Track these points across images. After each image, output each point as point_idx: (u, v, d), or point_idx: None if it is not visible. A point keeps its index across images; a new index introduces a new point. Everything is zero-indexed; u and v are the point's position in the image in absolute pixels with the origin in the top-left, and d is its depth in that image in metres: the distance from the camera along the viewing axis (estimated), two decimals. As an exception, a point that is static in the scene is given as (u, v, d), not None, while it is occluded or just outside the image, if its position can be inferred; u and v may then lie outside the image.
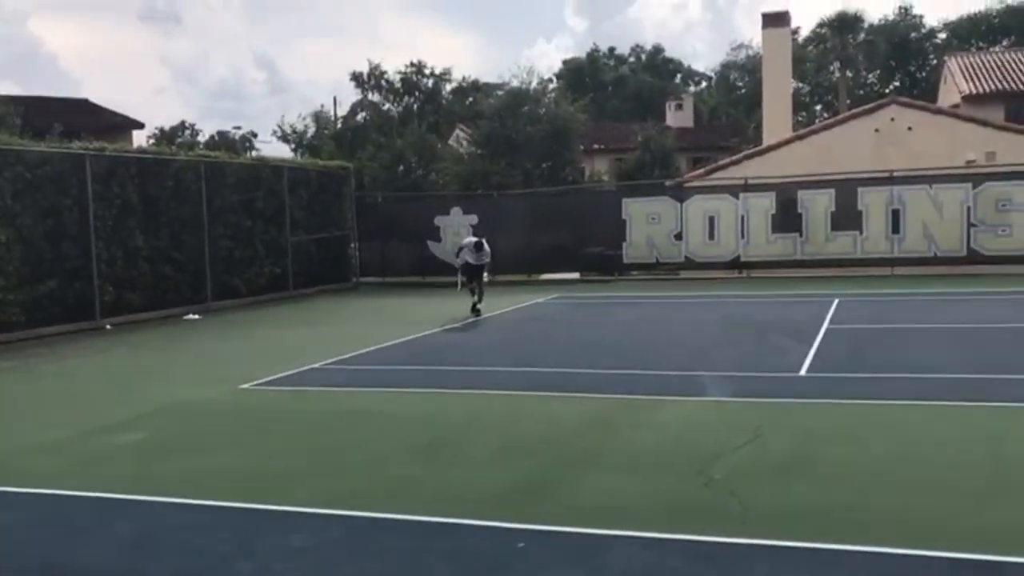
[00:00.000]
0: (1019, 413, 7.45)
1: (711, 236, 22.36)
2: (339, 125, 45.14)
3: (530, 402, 8.65)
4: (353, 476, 6.37)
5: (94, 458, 7.16)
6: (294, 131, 47.58)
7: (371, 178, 32.21)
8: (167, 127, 56.44)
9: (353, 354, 11.89)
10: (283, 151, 45.67)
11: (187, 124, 59.59)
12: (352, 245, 24.30)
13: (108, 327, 15.91)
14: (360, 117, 44.35)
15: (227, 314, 18.05)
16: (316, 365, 11.09)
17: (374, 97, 44.66)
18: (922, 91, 48.94)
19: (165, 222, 17.53)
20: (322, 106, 50.20)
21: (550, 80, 56.69)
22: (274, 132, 46.83)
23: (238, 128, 54.40)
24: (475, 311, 15.81)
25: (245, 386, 9.85)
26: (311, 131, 47.27)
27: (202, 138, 55.33)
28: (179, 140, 51.30)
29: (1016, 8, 55.08)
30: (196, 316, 17.45)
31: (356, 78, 44.23)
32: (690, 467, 6.11)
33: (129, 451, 7.35)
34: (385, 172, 32.67)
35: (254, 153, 41.94)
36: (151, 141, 45.31)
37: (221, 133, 53.90)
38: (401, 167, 33.06)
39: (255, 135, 53.35)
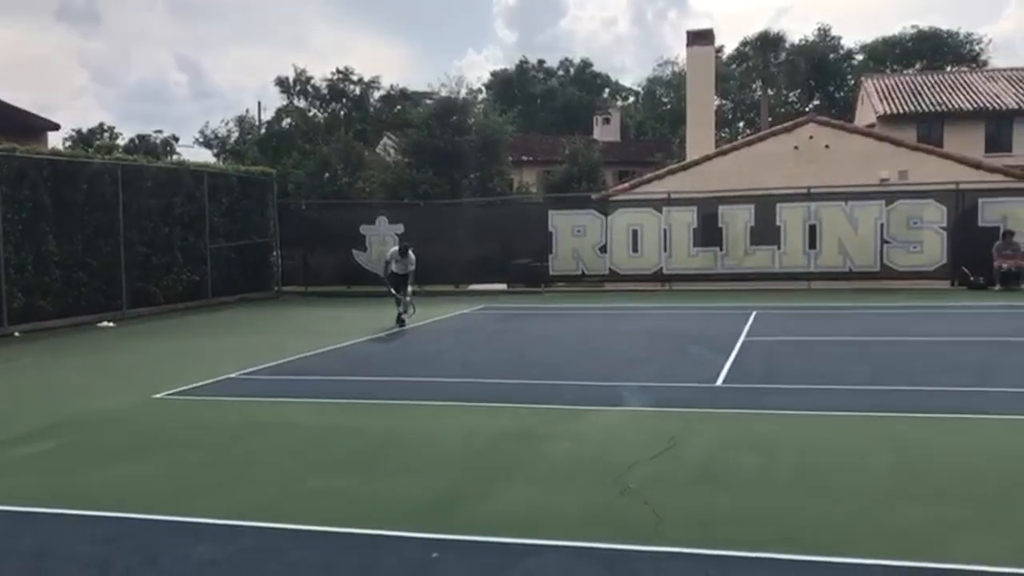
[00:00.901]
0: (921, 422, 7.69)
1: (635, 249, 22.68)
2: (263, 131, 44.49)
3: (450, 413, 8.61)
4: (266, 488, 6.24)
5: (-5, 470, 6.89)
6: (217, 136, 46.78)
7: (296, 185, 31.80)
8: (84, 129, 54.86)
9: (271, 364, 11.70)
10: (206, 156, 44.90)
11: (106, 127, 57.99)
12: (274, 253, 23.93)
13: (17, 334, 15.38)
14: (285, 123, 43.82)
15: (143, 322, 17.60)
16: (233, 375, 10.88)
17: (300, 103, 44.18)
18: (840, 110, 50.51)
19: (79, 227, 17.04)
20: (247, 111, 49.47)
21: (479, 91, 56.89)
22: (196, 138, 45.94)
23: (159, 132, 53.18)
24: (400, 321, 15.71)
25: (158, 396, 9.60)
26: (235, 136, 46.52)
27: (121, 141, 53.86)
28: (97, 143, 49.89)
29: (927, 33, 57.26)
30: (110, 324, 16.98)
31: (282, 83, 43.70)
32: (606, 477, 6.15)
33: (34, 463, 7.09)
34: (310, 179, 32.29)
35: (175, 157, 41.04)
36: (67, 144, 43.98)
37: (141, 137, 52.60)
38: (327, 174, 32.71)
39: (176, 139, 52.22)
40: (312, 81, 43.57)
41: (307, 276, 24.52)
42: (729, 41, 63.85)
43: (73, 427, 8.32)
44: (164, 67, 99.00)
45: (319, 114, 43.93)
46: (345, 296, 22.78)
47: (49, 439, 7.83)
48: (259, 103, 58.20)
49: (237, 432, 8.01)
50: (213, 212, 20.92)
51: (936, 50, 56.26)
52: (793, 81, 58.80)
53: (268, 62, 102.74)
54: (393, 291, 16.04)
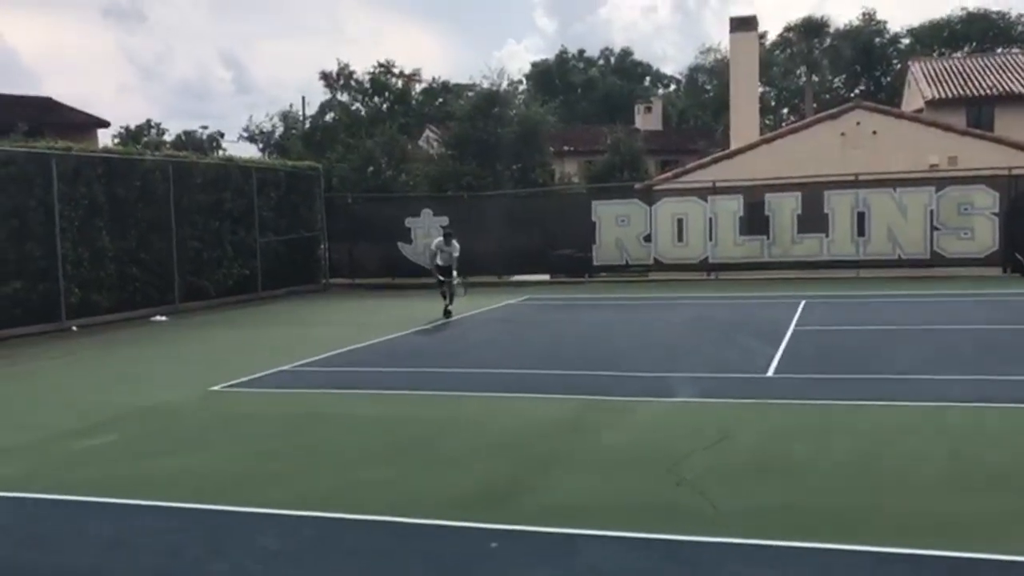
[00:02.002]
0: (977, 411, 7.61)
1: (680, 238, 22.55)
2: (307, 125, 44.91)
3: (502, 403, 8.69)
4: (325, 478, 6.37)
5: (63, 462, 7.10)
6: (261, 131, 47.26)
7: (340, 179, 32.06)
8: (132, 126, 55.79)
9: (323, 356, 11.87)
10: (251, 151, 45.33)
11: (152, 123, 58.93)
12: (322, 246, 24.20)
13: (74, 329, 15.73)
14: (329, 117, 44.18)
15: (195, 316, 17.92)
16: (286, 367, 11.06)
17: (343, 97, 44.50)
18: (887, 96, 49.65)
19: (132, 223, 17.36)
20: (291, 106, 50.00)
21: (520, 82, 56.88)
22: (241, 133, 46.44)
23: (205, 128, 53.96)
24: (447, 313, 15.84)
25: (215, 388, 9.80)
26: (279, 131, 46.98)
27: (168, 137, 54.73)
28: (145, 139, 50.74)
29: (976, 15, 56.04)
30: (163, 318, 17.31)
31: (325, 77, 44.07)
32: (660, 467, 6.18)
33: (99, 454, 7.29)
34: (355, 173, 32.53)
35: (221, 153, 41.60)
36: (116, 140, 44.76)
37: (188, 132, 53.31)
38: (371, 168, 32.94)
39: (222, 135, 52.77)
40: (355, 75, 43.87)
41: (354, 269, 24.75)
42: (772, 27, 63.12)
43: (133, 419, 8.54)
44: (208, 63, 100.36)
45: (362, 108, 44.22)
46: (391, 288, 22.97)
47: (111, 431, 8.04)
48: (303, 98, 58.69)
49: (293, 423, 8.17)
50: (262, 207, 21.20)
51: (986, 32, 55.02)
52: (838, 67, 57.84)
53: (309, 55, 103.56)
54: (440, 279, 16.14)
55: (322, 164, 27.20)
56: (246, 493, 6.02)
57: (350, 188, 29.91)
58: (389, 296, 21.37)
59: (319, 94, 48.48)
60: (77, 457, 7.22)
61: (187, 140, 50.57)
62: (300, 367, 11.13)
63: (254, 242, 20.85)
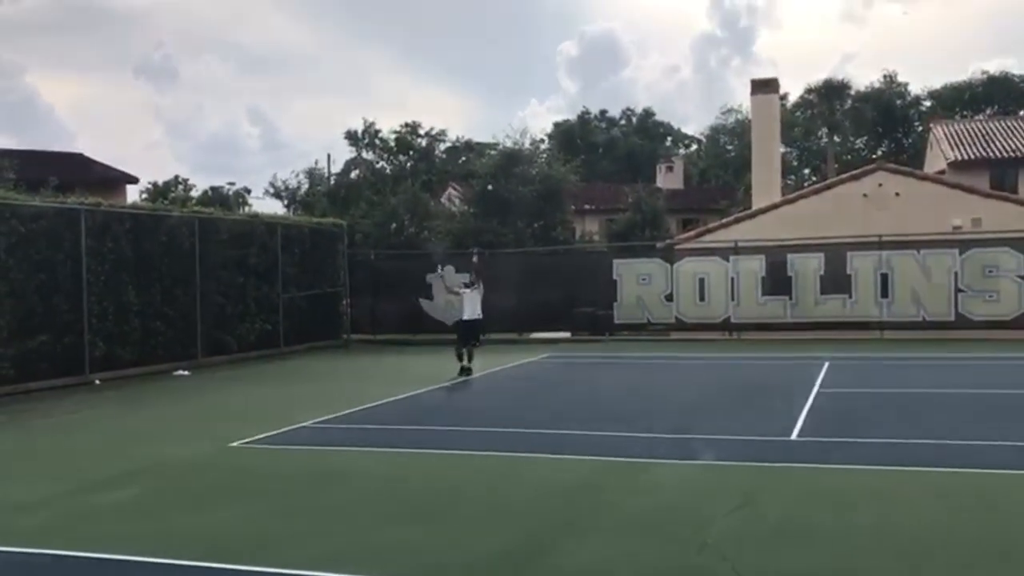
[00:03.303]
0: (1006, 479, 7.46)
1: (701, 298, 22.51)
2: (332, 182, 45.47)
3: (522, 464, 8.61)
4: (341, 537, 6.31)
5: (82, 516, 7.09)
6: (287, 187, 47.83)
7: (363, 235, 32.37)
8: (160, 181, 56.67)
9: (343, 413, 11.85)
10: (276, 207, 45.82)
11: (180, 179, 59.83)
12: (344, 302, 24.32)
13: (97, 382, 15.82)
14: (354, 174, 44.74)
15: (217, 370, 17.98)
16: (306, 424, 11.04)
17: (368, 155, 45.11)
18: (909, 157, 49.70)
19: (157, 277, 17.55)
20: (316, 162, 50.65)
21: (542, 141, 57.43)
22: (267, 189, 46.98)
23: (231, 184, 54.61)
24: (466, 371, 15.63)
25: (235, 444, 9.79)
26: (304, 187, 47.57)
27: (195, 193, 55.50)
28: (172, 195, 51.48)
29: (998, 78, 56.30)
30: (186, 372, 17.38)
31: (351, 136, 44.75)
32: (682, 532, 6.09)
33: (120, 509, 7.28)
34: (378, 229, 32.85)
35: (247, 209, 42.09)
36: (144, 196, 45.41)
37: (214, 188, 54.07)
38: (394, 224, 33.26)
39: (248, 191, 53.49)
40: (380, 134, 44.52)
41: (375, 324, 24.82)
42: (794, 88, 63.63)
43: (154, 474, 8.53)
44: (236, 120, 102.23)
45: (386, 166, 44.77)
46: (412, 344, 22.98)
47: (132, 486, 8.03)
48: (328, 155, 59.41)
49: (311, 481, 8.12)
50: (286, 262, 21.39)
51: (1007, 95, 55.21)
52: (859, 128, 58.12)
53: (335, 113, 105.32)
54: (461, 341, 15.80)
55: (346, 220, 27.48)
56: (261, 552, 5.97)
57: (373, 244, 30.17)
58: (410, 352, 21.37)
59: (344, 152, 49.23)
60: (95, 512, 7.21)
61: (214, 196, 51.25)
62: (320, 424, 11.11)
63: (277, 297, 20.99)
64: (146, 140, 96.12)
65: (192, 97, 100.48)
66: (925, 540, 5.88)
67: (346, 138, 45.38)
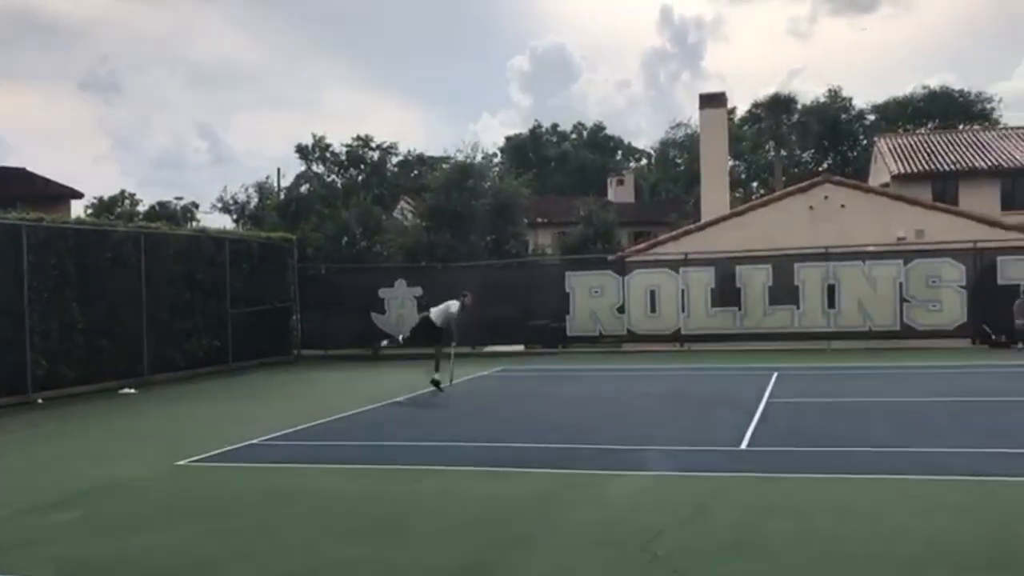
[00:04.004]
0: (950, 485, 7.60)
1: (652, 309, 22.70)
2: (282, 196, 45.06)
3: (474, 478, 8.57)
4: (292, 557, 6.21)
5: (26, 539, 6.88)
6: (236, 202, 47.28)
7: (314, 249, 32.09)
8: (106, 197, 55.72)
9: (293, 429, 11.71)
10: (225, 222, 45.29)
11: (127, 194, 58.93)
12: (294, 317, 24.08)
13: (40, 401, 15.45)
14: (304, 188, 44.38)
15: (164, 388, 17.66)
16: (255, 441, 10.88)
17: (318, 169, 44.79)
18: (854, 170, 50.73)
19: (102, 294, 17.21)
20: (266, 177, 50.08)
21: (494, 155, 57.62)
22: (215, 203, 46.36)
23: (179, 199, 53.89)
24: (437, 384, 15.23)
25: (182, 463, 9.61)
26: (254, 202, 47.08)
27: (142, 208, 54.69)
28: (118, 210, 50.67)
29: (938, 93, 57.78)
30: (132, 390, 17.04)
31: (300, 150, 44.41)
32: (633, 544, 6.09)
33: (64, 531, 7.09)
34: (329, 243, 32.59)
35: (195, 224, 41.55)
36: (89, 211, 44.69)
37: (162, 203, 53.31)
38: (345, 238, 33.01)
39: (196, 206, 52.85)
40: (331, 148, 44.25)
41: (326, 340, 24.59)
42: (742, 102, 64.59)
43: (99, 495, 8.33)
44: (184, 134, 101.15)
45: (337, 179, 44.51)
46: (364, 359, 22.82)
47: (76, 507, 7.83)
48: (278, 169, 58.87)
49: (261, 499, 7.99)
50: (234, 278, 21.13)
51: (948, 109, 56.69)
52: (806, 142, 59.22)
53: (286, 128, 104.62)
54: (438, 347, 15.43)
55: (296, 235, 27.24)
56: (213, 573, 5.86)
57: (324, 259, 29.91)
58: (362, 367, 21.21)
59: (295, 166, 48.82)
60: (38, 534, 7.00)
61: (161, 211, 50.55)
62: (270, 441, 10.95)
63: (226, 313, 20.71)
64: (92, 155, 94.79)
65: (139, 111, 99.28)
66: (877, 548, 5.96)
67: (296, 152, 45.05)
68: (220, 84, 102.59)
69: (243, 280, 21.60)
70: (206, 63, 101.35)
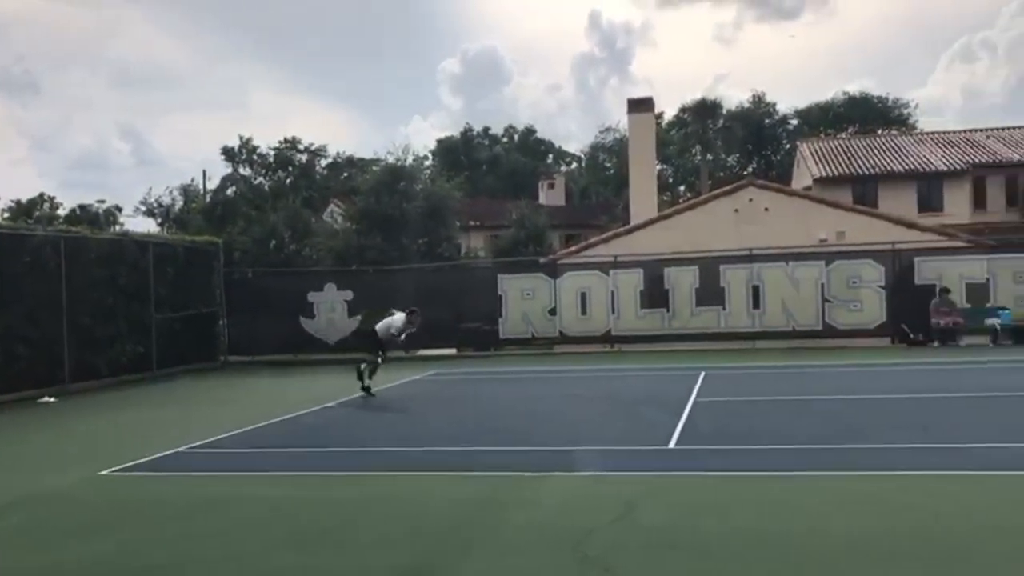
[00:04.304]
0: (873, 480, 7.84)
1: (583, 311, 22.91)
2: (208, 199, 44.24)
3: (405, 483, 8.55)
4: (227, 566, 6.12)
5: (-65, 556, 6.65)
6: (160, 205, 46.23)
7: (242, 252, 31.60)
8: (24, 199, 53.93)
9: (220, 436, 11.51)
10: (149, 225, 44.27)
11: (46, 196, 57.12)
12: (220, 322, 23.66)
13: (-47, 412, 14.90)
14: (231, 191, 43.64)
15: (86, 396, 17.20)
16: (181, 449, 10.68)
17: (245, 171, 44.10)
18: (777, 174, 51.93)
19: (19, 299, 16.69)
20: (191, 179, 49.15)
21: (425, 157, 57.45)
22: (139, 206, 45.23)
23: (101, 202, 52.42)
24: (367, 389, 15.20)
25: (105, 472, 9.38)
26: (179, 205, 46.09)
27: (63, 211, 53.07)
28: (37, 213, 49.10)
29: (857, 99, 59.50)
30: (52, 399, 16.55)
31: (227, 152, 43.66)
32: (565, 544, 6.15)
33: (-22, 546, 6.86)
34: (256, 247, 32.13)
35: (118, 228, 40.54)
36: (6, 214, 43.23)
37: (83, 206, 51.79)
38: (273, 242, 32.58)
39: (119, 209, 51.46)
40: (258, 149, 43.62)
41: (254, 345, 24.22)
42: (670, 107, 65.61)
43: (19, 508, 8.07)
44: (105, 135, 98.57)
45: (265, 182, 43.89)
46: (293, 365, 22.54)
47: (1, 519, 7.60)
48: (204, 172, 57.72)
49: (188, 509, 7.84)
50: (158, 282, 20.68)
51: (867, 114, 58.44)
52: (731, 146, 60.47)
53: (211, 129, 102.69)
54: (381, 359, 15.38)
55: (223, 238, 26.78)
56: (136, 585, 5.74)
57: (252, 262, 29.49)
58: (290, 373, 20.95)
59: (221, 168, 47.92)
60: (-49, 551, 6.77)
61: (82, 214, 49.13)
62: (197, 449, 10.75)
63: (150, 318, 20.27)
64: (8, 157, 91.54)
65: (58, 112, 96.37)
66: (802, 543, 6.11)
67: (223, 154, 44.25)
68: (145, 85, 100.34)
69: (168, 285, 21.16)
70: (129, 62, 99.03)
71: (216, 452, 10.60)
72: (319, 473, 9.22)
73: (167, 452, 10.43)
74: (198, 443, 11.03)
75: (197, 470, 9.59)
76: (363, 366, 15.24)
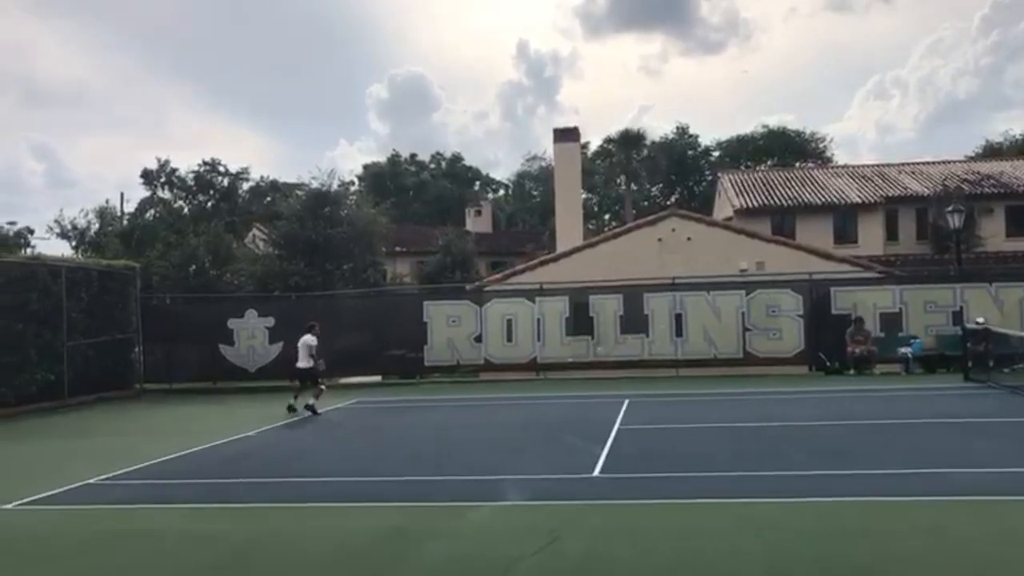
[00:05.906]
0: (788, 507, 7.95)
1: (509, 338, 22.90)
2: (126, 222, 43.13)
3: (324, 515, 8.36)
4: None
5: None
6: (75, 227, 44.85)
7: (161, 277, 30.82)
8: (-72, 221, 51.75)
9: (133, 468, 11.13)
10: (63, 248, 42.94)
11: (-48, 218, 54.98)
12: (136, 349, 22.96)
13: None
14: (149, 214, 42.65)
15: (-10, 426, 16.47)
16: (92, 481, 10.28)
17: (165, 194, 43.19)
18: (699, 204, 52.98)
19: (-79, 325, 15.96)
20: (107, 201, 47.85)
21: (352, 183, 57.04)
22: (50, 228, 43.78)
23: (12, 223, 50.69)
24: (291, 409, 16.22)
25: (8, 506, 8.97)
26: (95, 228, 44.79)
27: (-30, 233, 51.08)
28: (-58, 235, 47.20)
29: (776, 132, 61.20)
30: (-47, 429, 15.82)
31: (146, 175, 42.72)
32: (489, 575, 6.08)
33: None
34: (176, 271, 31.37)
35: (29, 251, 39.17)
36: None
37: (-8, 228, 49.96)
38: (193, 267, 31.85)
39: (31, 231, 49.85)
40: (177, 172, 42.77)
41: (171, 373, 23.56)
42: (595, 136, 66.52)
43: (-91, 546, 7.65)
44: (17, 156, 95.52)
45: (185, 205, 43.01)
46: (212, 393, 21.99)
47: None
48: (121, 194, 56.25)
49: (99, 544, 7.53)
50: (71, 308, 20.00)
51: (785, 147, 60.11)
52: (655, 176, 61.49)
53: (129, 151, 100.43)
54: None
55: (140, 263, 26.09)
56: (36, 626, 5.47)
57: (170, 288, 28.77)
58: (208, 401, 20.42)
59: (139, 191, 46.78)
60: None
61: (-9, 237, 47.40)
62: (108, 481, 10.37)
63: (61, 345, 19.56)
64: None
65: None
66: (718, 569, 6.14)
67: (141, 177, 43.27)
68: (59, 104, 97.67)
69: (81, 310, 20.48)
70: (43, 81, 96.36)
71: (128, 484, 10.24)
72: (229, 505, 8.96)
73: (76, 484, 10.03)
74: (110, 475, 10.64)
75: (107, 502, 9.23)
76: (297, 399, 16.32)
